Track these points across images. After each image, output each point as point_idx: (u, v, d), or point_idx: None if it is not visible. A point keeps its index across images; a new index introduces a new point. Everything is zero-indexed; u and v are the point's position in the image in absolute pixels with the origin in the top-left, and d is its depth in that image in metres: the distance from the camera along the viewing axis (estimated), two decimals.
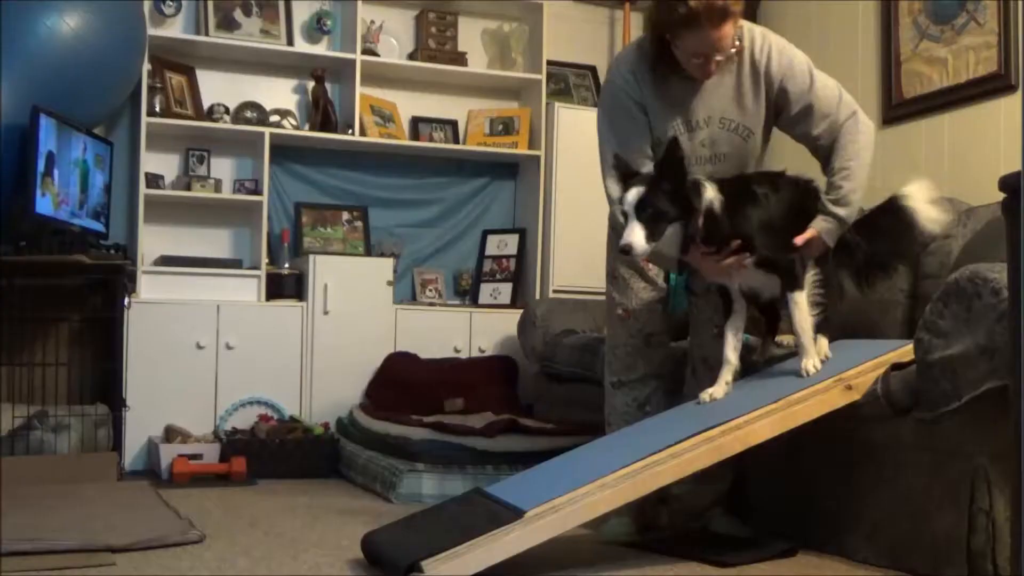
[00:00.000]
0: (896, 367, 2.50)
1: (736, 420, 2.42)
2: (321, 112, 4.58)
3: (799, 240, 2.61)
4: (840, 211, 2.65)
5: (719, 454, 2.41)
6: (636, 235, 2.44)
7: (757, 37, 2.74)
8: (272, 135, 4.47)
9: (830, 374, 2.52)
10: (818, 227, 2.64)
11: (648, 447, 2.39)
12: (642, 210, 2.46)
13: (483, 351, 4.70)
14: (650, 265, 2.90)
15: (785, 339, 2.98)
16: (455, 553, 2.16)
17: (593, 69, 5.26)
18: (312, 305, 4.36)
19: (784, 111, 2.76)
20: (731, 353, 2.68)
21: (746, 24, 2.72)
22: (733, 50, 2.67)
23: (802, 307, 2.61)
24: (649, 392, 2.92)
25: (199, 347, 4.18)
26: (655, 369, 2.94)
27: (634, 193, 2.47)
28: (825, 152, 2.76)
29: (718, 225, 2.53)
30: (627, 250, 2.46)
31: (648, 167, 2.67)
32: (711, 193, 2.53)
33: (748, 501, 2.96)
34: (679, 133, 2.72)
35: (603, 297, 4.63)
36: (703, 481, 2.81)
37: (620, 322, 2.95)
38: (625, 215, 2.50)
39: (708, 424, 2.42)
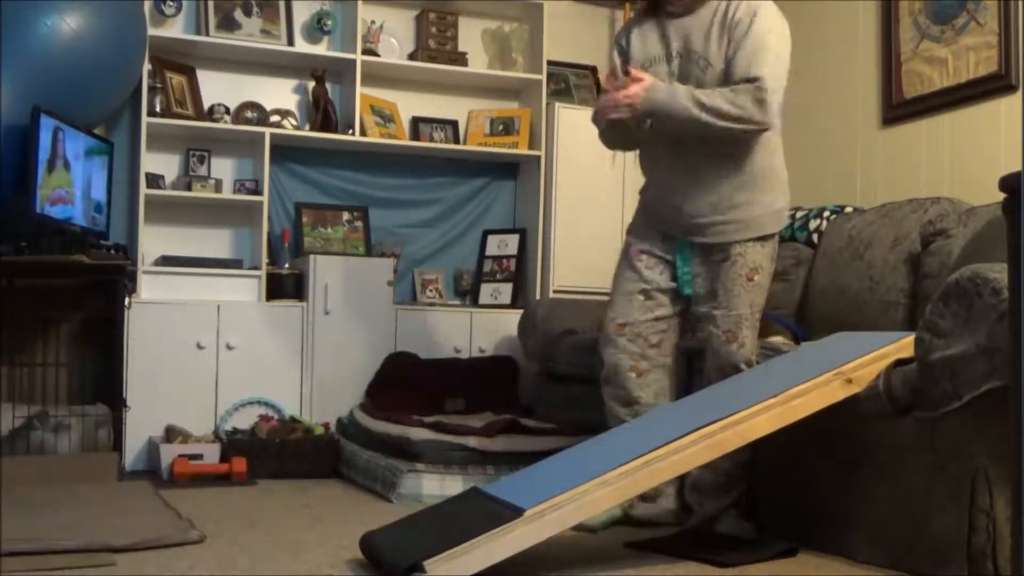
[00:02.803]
0: (899, 363, 2.50)
1: (735, 415, 2.42)
2: (321, 112, 4.58)
3: (633, 72, 2.83)
4: (681, 87, 2.81)
5: (719, 449, 2.41)
6: None
7: None
8: (272, 135, 4.47)
9: (830, 367, 2.52)
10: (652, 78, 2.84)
11: (647, 444, 2.39)
12: None
13: (483, 351, 4.70)
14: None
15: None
16: (455, 553, 2.16)
17: (594, 69, 5.26)
18: (312, 305, 4.36)
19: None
20: None
21: None
22: None
23: None
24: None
25: (199, 347, 4.18)
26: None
27: None
28: None
29: None
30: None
31: None
32: None
33: (751, 502, 2.96)
34: (658, 61, 2.91)
35: (604, 297, 4.67)
36: (723, 491, 2.83)
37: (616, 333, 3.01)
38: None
39: (707, 420, 2.42)
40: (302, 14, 4.72)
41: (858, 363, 2.52)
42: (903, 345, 2.54)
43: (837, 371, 2.51)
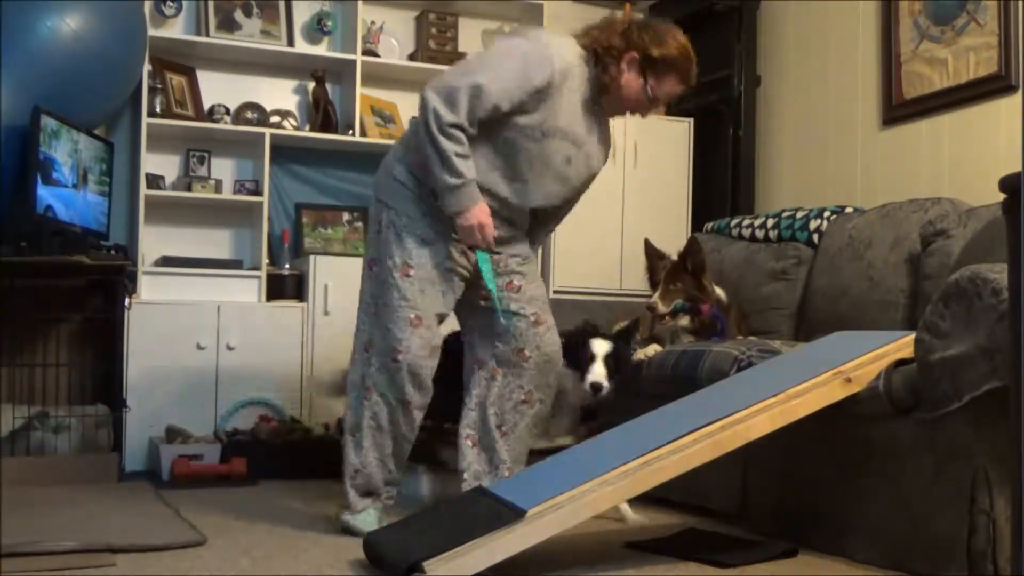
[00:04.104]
0: (899, 363, 2.50)
1: (735, 415, 2.42)
2: (322, 113, 4.58)
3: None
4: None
5: (719, 449, 2.41)
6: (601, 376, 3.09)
7: None
8: (272, 136, 4.47)
9: (829, 367, 2.52)
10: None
11: (648, 443, 2.40)
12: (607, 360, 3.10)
13: None
14: (453, 278, 2.89)
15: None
16: (456, 553, 2.16)
17: None
18: (312, 306, 4.36)
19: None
20: None
21: None
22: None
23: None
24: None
25: (200, 348, 4.18)
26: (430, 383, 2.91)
27: (604, 347, 3.13)
28: None
29: None
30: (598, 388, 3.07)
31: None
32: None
33: (748, 502, 2.97)
34: (564, 138, 2.81)
35: (605, 298, 4.68)
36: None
37: (409, 325, 2.80)
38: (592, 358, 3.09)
39: (708, 419, 2.42)
40: (302, 15, 4.72)
41: (858, 362, 2.52)
42: (903, 344, 2.54)
43: (837, 370, 2.51)
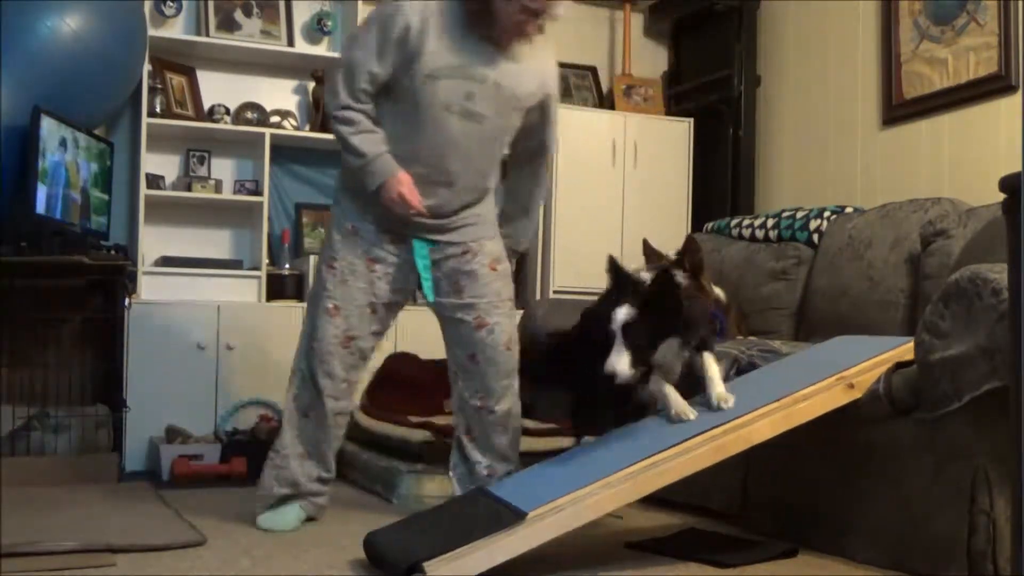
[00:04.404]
0: (899, 366, 2.50)
1: (738, 419, 2.42)
2: (321, 113, 4.58)
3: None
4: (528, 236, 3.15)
5: (722, 453, 2.41)
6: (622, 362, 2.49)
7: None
8: (272, 136, 4.47)
9: (832, 372, 2.52)
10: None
11: (651, 447, 2.40)
12: (628, 335, 2.50)
13: None
14: (376, 267, 2.89)
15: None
16: (457, 554, 2.16)
17: (593, 69, 5.27)
18: None
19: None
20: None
21: None
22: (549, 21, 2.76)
23: None
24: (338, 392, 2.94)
25: (199, 348, 4.18)
26: (349, 374, 2.94)
27: (623, 316, 2.51)
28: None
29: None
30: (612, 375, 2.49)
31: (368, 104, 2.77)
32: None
33: (748, 502, 2.97)
34: (452, 76, 2.74)
35: None
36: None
37: (327, 314, 2.88)
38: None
39: (710, 424, 2.42)
40: (302, 15, 4.72)
41: (860, 368, 2.52)
42: (904, 350, 2.54)
43: (839, 376, 2.51)
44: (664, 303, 2.54)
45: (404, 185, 2.74)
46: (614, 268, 2.65)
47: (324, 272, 2.90)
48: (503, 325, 2.95)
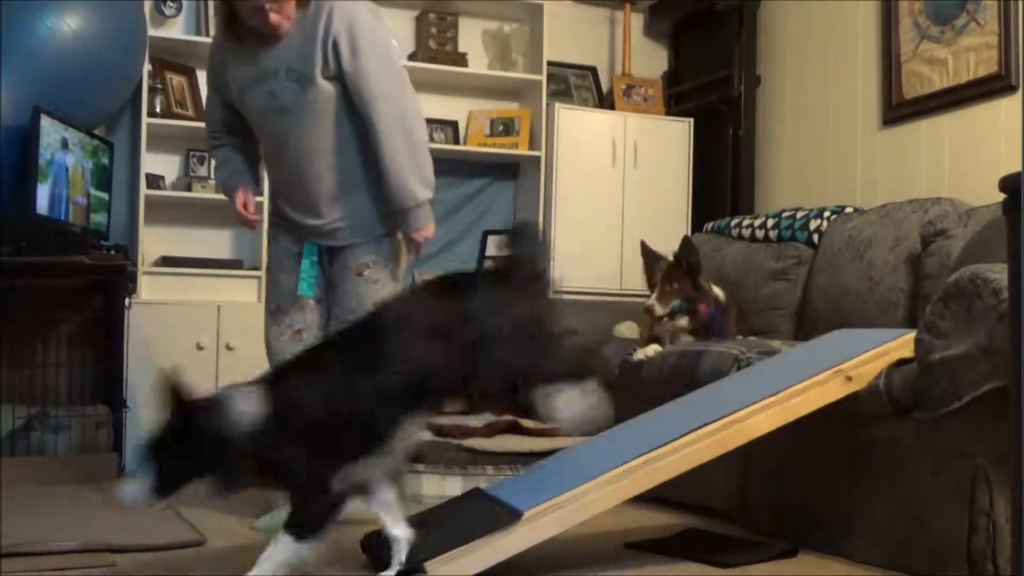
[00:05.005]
0: (900, 363, 2.50)
1: (736, 414, 2.42)
2: None
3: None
4: (402, 205, 2.93)
5: (719, 448, 2.41)
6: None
7: None
8: None
9: (830, 365, 2.52)
10: None
11: (647, 443, 2.39)
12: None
13: None
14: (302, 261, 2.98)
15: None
16: (456, 554, 2.16)
17: (593, 69, 5.27)
18: None
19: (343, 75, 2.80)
20: None
21: None
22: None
23: None
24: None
25: (199, 348, 4.18)
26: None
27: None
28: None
29: None
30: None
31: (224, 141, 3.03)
32: None
33: (748, 502, 2.97)
34: (252, 85, 2.82)
35: (605, 298, 4.68)
36: None
37: (270, 315, 3.02)
38: None
39: (708, 418, 2.42)
40: None
41: (858, 360, 2.52)
42: (903, 342, 2.53)
43: (837, 369, 2.50)
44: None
45: (239, 202, 3.01)
46: None
47: (266, 276, 3.10)
48: None
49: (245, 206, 3.00)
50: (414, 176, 2.89)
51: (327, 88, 2.79)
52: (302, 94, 2.79)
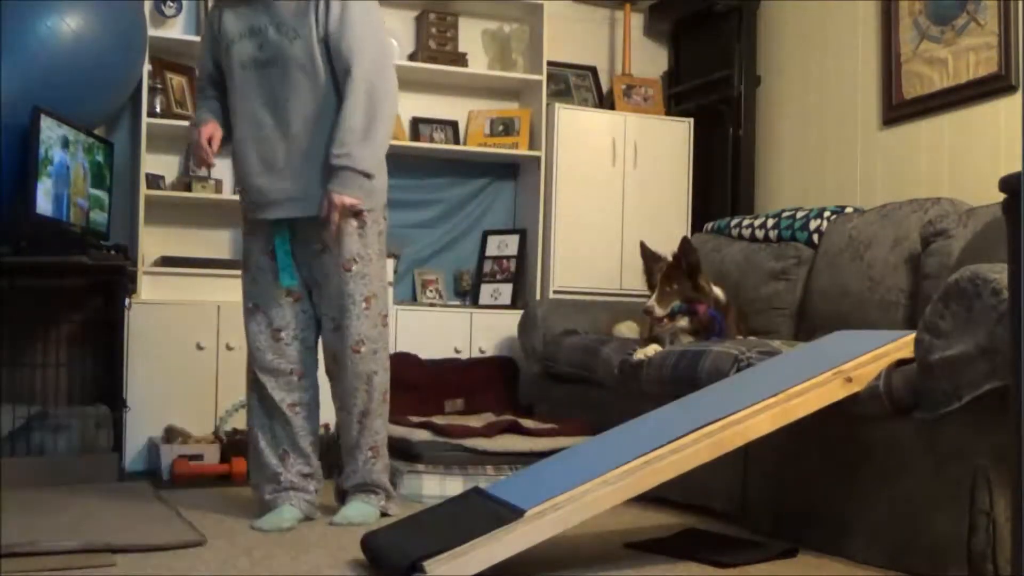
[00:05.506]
0: (900, 363, 2.50)
1: (736, 415, 2.42)
2: None
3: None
4: (336, 161, 2.80)
5: (719, 449, 2.41)
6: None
7: None
8: None
9: (829, 366, 2.52)
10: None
11: (648, 443, 2.40)
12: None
13: (483, 352, 4.70)
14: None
15: None
16: (456, 553, 2.16)
17: (593, 69, 5.27)
18: None
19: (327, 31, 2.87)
20: None
21: None
22: None
23: None
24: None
25: (199, 348, 4.18)
26: (293, 365, 3.02)
27: None
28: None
29: None
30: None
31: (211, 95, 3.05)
32: None
33: (748, 502, 2.97)
34: (242, 37, 2.90)
35: (605, 298, 4.68)
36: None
37: (249, 314, 3.03)
38: None
39: (708, 419, 2.42)
40: None
41: (858, 362, 2.52)
42: (903, 344, 2.54)
43: (837, 370, 2.51)
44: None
45: (203, 135, 2.93)
46: None
47: (243, 274, 3.06)
48: (350, 329, 2.96)
49: (210, 141, 2.96)
50: (360, 139, 2.82)
51: (316, 48, 2.86)
52: (290, 48, 2.86)
